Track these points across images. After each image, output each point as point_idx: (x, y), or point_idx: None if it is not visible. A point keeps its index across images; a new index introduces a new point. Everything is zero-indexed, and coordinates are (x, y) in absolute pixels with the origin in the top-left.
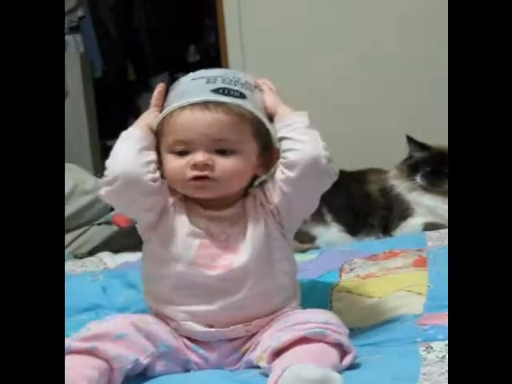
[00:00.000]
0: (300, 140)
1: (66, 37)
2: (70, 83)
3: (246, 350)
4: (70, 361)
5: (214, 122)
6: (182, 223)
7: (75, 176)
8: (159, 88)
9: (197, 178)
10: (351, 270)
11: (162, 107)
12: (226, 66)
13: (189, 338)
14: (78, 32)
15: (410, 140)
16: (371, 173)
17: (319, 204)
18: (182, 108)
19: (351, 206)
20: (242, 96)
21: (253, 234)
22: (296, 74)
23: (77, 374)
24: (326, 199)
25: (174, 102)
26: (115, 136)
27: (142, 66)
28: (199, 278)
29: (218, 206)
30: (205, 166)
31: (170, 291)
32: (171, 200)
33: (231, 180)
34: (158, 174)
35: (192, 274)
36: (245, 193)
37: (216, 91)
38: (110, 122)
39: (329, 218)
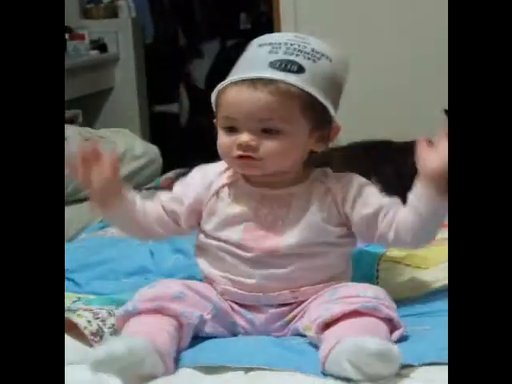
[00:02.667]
0: (408, 239)
1: (119, 2)
2: (122, 48)
3: (293, 318)
4: (143, 319)
5: (258, 102)
6: (227, 208)
7: (127, 141)
8: None
9: (241, 156)
10: None
11: None
12: None
13: (236, 303)
14: None
15: (447, 113)
16: None
17: (368, 174)
18: (234, 83)
19: (400, 177)
20: (300, 70)
21: (308, 221)
22: (349, 44)
23: (157, 328)
24: (375, 169)
25: (237, 70)
26: (165, 101)
27: (192, 32)
28: (245, 256)
29: (271, 184)
30: (249, 146)
31: (217, 258)
32: (215, 186)
33: (276, 160)
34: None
35: (237, 253)
36: (305, 170)
37: (273, 65)
38: (160, 88)
39: (377, 188)
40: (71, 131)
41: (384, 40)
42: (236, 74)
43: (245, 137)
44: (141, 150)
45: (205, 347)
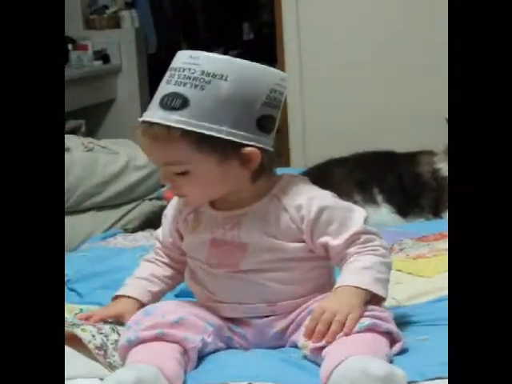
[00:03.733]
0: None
1: (122, 12)
2: (125, 59)
3: (286, 328)
4: (147, 347)
5: (147, 148)
6: (190, 233)
7: (129, 152)
8: None
9: None
10: (401, 250)
11: None
12: (281, 45)
13: (222, 317)
14: (134, 7)
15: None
16: (422, 155)
17: (370, 184)
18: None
19: (402, 187)
20: (184, 104)
21: (259, 239)
22: (351, 53)
23: (164, 355)
24: (378, 180)
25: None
26: None
27: (195, 43)
28: (213, 272)
29: (230, 205)
30: (169, 186)
31: (194, 273)
32: (184, 213)
33: (197, 195)
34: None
35: (207, 269)
36: (265, 186)
37: (162, 102)
38: None
39: (379, 198)
40: (74, 141)
41: (387, 49)
42: (150, 104)
43: (161, 178)
44: (143, 161)
45: (207, 365)
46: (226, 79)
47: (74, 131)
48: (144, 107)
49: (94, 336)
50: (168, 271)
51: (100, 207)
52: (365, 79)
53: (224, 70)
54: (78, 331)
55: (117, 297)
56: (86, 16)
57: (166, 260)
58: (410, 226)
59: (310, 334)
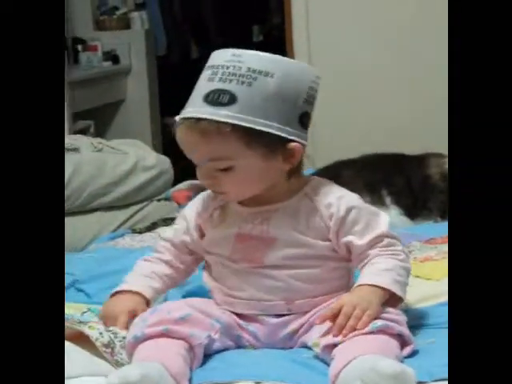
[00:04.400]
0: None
1: (132, 14)
2: (134, 60)
3: (298, 329)
4: (153, 343)
5: (194, 145)
6: (216, 228)
7: (138, 152)
8: None
9: None
10: (409, 252)
11: None
12: (291, 49)
13: (237, 315)
14: (144, 9)
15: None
16: (431, 157)
17: (379, 186)
18: (181, 120)
19: (411, 189)
20: (232, 100)
21: (289, 235)
22: (361, 56)
23: (169, 351)
24: (386, 182)
25: (191, 96)
26: (177, 113)
27: (205, 44)
28: (235, 267)
29: (259, 201)
30: (207, 184)
31: (213, 269)
32: (210, 209)
33: (238, 191)
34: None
35: (228, 264)
36: (296, 183)
37: (207, 98)
38: (172, 100)
39: (388, 200)
40: (83, 141)
41: (398, 52)
42: (190, 101)
43: (200, 176)
44: (152, 161)
45: (215, 363)
46: (272, 76)
47: (83, 132)
48: (153, 108)
49: (101, 334)
50: (167, 270)
51: (108, 207)
52: (375, 82)
53: (269, 67)
54: (85, 329)
55: (116, 293)
56: (95, 17)
57: (168, 258)
58: (418, 228)
59: (322, 320)
